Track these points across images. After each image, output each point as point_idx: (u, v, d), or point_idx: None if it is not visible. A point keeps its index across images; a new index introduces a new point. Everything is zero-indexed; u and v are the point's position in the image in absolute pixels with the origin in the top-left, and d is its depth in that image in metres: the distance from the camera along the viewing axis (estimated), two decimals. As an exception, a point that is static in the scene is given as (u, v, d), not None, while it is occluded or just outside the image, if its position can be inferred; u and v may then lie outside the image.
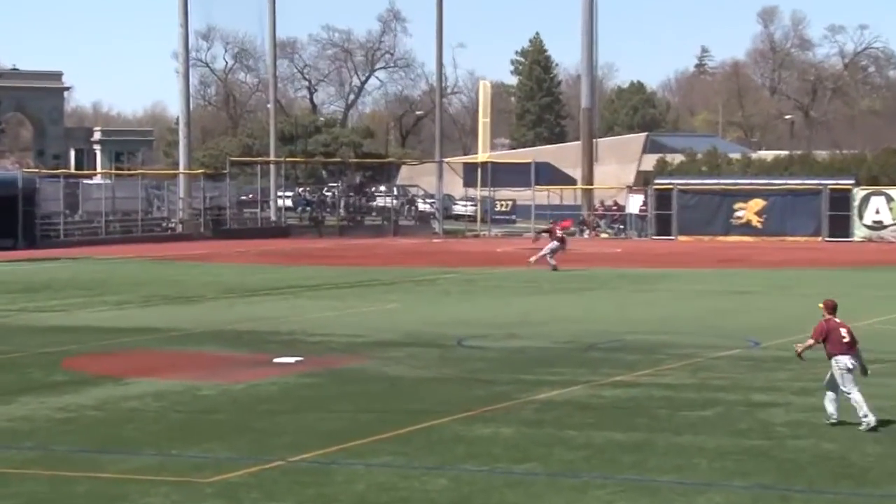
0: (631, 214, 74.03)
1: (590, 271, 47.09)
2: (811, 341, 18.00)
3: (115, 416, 18.93)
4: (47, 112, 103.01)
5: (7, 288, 40.39)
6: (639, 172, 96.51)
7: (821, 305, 18.19)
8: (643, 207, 72.74)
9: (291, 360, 24.32)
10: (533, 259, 46.55)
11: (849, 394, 17.71)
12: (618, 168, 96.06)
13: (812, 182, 69.78)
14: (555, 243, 46.88)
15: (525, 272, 45.57)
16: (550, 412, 19.15)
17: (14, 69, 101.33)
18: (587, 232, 73.88)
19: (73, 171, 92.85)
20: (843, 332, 17.82)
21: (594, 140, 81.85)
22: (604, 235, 73.10)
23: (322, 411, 19.32)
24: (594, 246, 64.66)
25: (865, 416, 17.57)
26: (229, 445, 16.95)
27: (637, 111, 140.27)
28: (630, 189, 78.56)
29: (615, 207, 76.84)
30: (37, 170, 76.52)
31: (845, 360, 17.72)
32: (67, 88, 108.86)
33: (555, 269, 45.58)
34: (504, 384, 21.61)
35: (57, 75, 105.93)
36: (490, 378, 22.29)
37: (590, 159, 78.59)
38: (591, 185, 78.14)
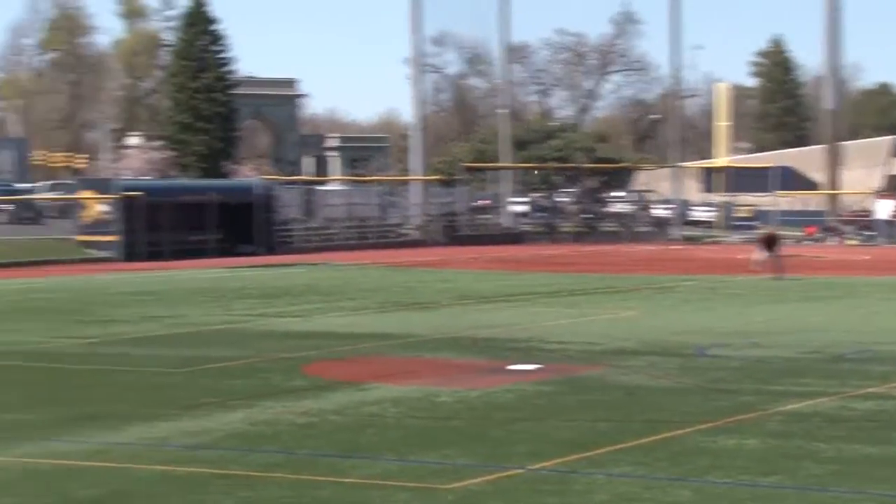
0: (880, 220, 71.91)
1: (836, 279, 45.84)
2: None
3: (354, 422, 18.99)
4: (284, 119, 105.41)
5: (247, 293, 41.28)
6: (891, 177, 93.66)
7: None
8: (894, 213, 70.63)
9: (528, 367, 24.12)
10: (773, 275, 45.23)
11: None
12: (864, 173, 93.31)
13: None
14: (764, 252, 45.92)
15: (767, 281, 44.60)
16: (797, 424, 18.49)
17: (251, 77, 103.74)
18: (833, 239, 72.03)
19: (309, 177, 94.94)
20: None
21: (839, 143, 79.73)
22: (851, 242, 71.09)
23: (560, 419, 19.05)
24: (841, 253, 63.05)
25: None
26: (467, 452, 16.82)
27: (885, 113, 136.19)
28: (878, 194, 76.34)
29: (863, 213, 74.78)
30: (274, 176, 78.36)
31: None
32: (303, 95, 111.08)
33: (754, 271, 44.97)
34: (748, 394, 21.01)
35: (292, 82, 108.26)
36: (733, 388, 21.70)
37: (834, 163, 76.57)
38: (836, 190, 76.10)
